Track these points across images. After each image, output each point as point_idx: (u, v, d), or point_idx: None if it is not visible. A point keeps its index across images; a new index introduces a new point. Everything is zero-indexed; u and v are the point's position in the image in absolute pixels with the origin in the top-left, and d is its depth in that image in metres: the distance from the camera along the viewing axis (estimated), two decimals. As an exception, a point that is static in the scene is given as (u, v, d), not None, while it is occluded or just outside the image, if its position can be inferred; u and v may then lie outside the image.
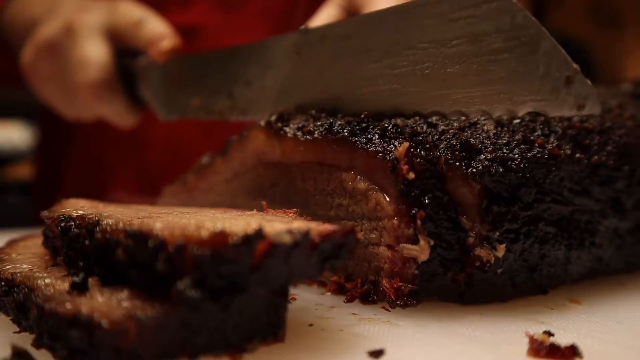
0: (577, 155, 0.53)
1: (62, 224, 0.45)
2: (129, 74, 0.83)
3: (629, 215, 0.56)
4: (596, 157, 0.54)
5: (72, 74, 0.81)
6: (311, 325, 0.45)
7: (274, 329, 0.40)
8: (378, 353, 0.39)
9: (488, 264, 0.48)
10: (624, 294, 0.54)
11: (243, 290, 0.36)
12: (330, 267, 0.39)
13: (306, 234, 0.37)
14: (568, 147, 0.53)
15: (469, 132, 0.51)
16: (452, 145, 0.49)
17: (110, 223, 0.41)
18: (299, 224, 0.39)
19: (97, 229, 0.41)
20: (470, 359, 0.39)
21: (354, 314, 0.47)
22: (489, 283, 0.49)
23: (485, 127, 0.52)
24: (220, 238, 0.35)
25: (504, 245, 0.48)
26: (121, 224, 0.40)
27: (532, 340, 0.40)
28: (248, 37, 1.08)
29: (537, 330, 0.43)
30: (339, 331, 0.44)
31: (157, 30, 0.81)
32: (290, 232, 0.36)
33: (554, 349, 0.39)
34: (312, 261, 0.38)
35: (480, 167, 0.48)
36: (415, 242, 0.47)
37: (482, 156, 0.49)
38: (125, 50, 0.83)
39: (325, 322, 0.45)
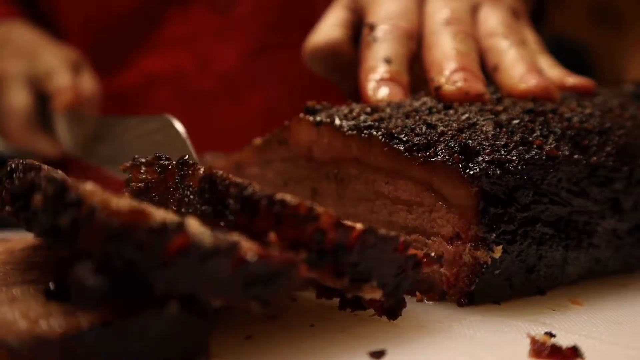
0: (576, 156, 0.53)
1: (12, 166, 0.43)
2: (48, 114, 0.96)
3: (627, 216, 0.56)
4: (595, 157, 0.54)
5: (2, 118, 0.98)
6: (312, 325, 0.45)
7: (191, 357, 0.34)
8: (379, 354, 0.39)
9: (485, 265, 0.48)
10: (625, 295, 0.54)
11: (147, 289, 0.32)
12: (258, 297, 0.34)
13: (232, 245, 0.32)
14: (567, 147, 0.53)
15: (467, 133, 0.51)
16: (450, 146, 0.49)
17: (44, 168, 0.39)
18: (235, 236, 0.35)
19: (32, 172, 0.39)
20: (471, 360, 0.39)
21: (355, 314, 0.47)
22: (487, 284, 0.49)
23: (484, 128, 0.52)
24: (137, 216, 0.32)
25: (500, 246, 0.47)
26: (52, 173, 0.37)
27: (534, 341, 0.40)
28: (239, 39, 1.12)
29: (538, 331, 0.43)
30: (340, 332, 0.43)
31: (61, 84, 0.94)
32: (212, 235, 0.32)
33: (555, 350, 0.39)
34: (235, 279, 0.33)
35: (478, 169, 0.48)
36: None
37: (480, 158, 0.49)
38: (44, 93, 0.96)
39: (326, 323, 0.45)
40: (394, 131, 0.52)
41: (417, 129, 0.51)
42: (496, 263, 0.48)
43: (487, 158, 0.48)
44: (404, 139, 0.51)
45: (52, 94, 0.94)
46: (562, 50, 1.39)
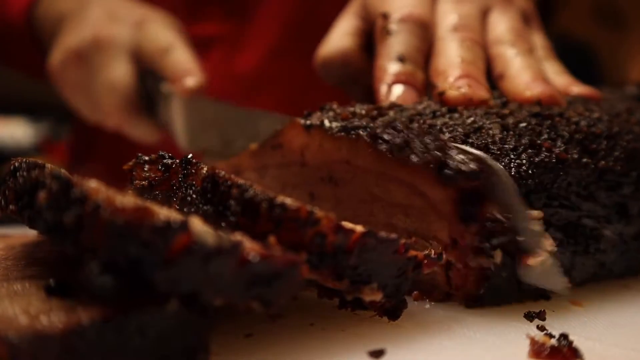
0: (584, 159, 0.52)
1: (15, 165, 0.43)
2: (153, 95, 0.83)
3: (634, 220, 0.56)
4: (603, 162, 0.53)
5: (98, 93, 0.83)
6: (312, 324, 0.45)
7: (191, 355, 0.34)
8: (379, 353, 0.39)
9: (490, 270, 0.47)
10: (625, 296, 0.54)
11: (150, 288, 0.32)
12: (260, 297, 0.34)
13: (235, 244, 0.33)
14: (575, 151, 0.52)
15: (474, 137, 0.50)
16: (425, 143, 0.48)
17: (48, 166, 0.39)
18: (238, 236, 0.35)
19: (37, 170, 0.39)
20: (471, 360, 0.39)
21: (355, 313, 0.47)
22: (496, 288, 0.48)
23: (490, 132, 0.51)
24: (141, 214, 0.32)
25: (498, 250, 0.47)
26: (55, 171, 0.37)
27: (534, 342, 0.40)
28: (258, 46, 1.12)
29: (538, 332, 0.43)
30: (340, 331, 0.44)
31: (183, 64, 0.81)
32: (215, 234, 0.32)
33: (555, 351, 0.39)
34: (238, 278, 0.33)
35: (452, 170, 0.46)
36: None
37: (455, 152, 0.47)
38: (150, 71, 0.84)
39: (326, 322, 0.45)
40: (377, 131, 0.50)
41: (399, 126, 0.50)
42: (501, 266, 0.47)
43: (462, 155, 0.47)
44: (387, 138, 0.49)
45: (170, 74, 0.82)
46: (568, 50, 1.39)
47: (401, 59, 0.63)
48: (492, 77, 0.64)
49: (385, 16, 0.66)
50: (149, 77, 0.83)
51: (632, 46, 1.43)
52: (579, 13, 1.48)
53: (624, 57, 1.44)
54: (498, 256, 0.47)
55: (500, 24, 0.67)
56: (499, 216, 0.46)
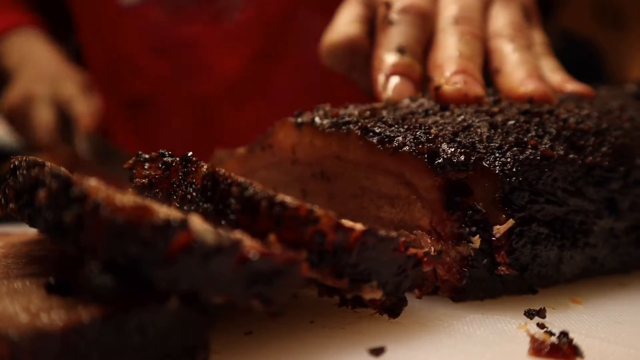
0: (571, 155, 0.52)
1: (15, 163, 0.43)
2: (70, 129, 1.24)
3: (624, 215, 0.56)
4: (590, 157, 0.54)
5: (31, 130, 1.24)
6: (312, 322, 0.45)
7: (191, 353, 0.35)
8: (379, 351, 0.39)
9: (470, 258, 0.48)
10: (625, 294, 0.54)
11: (150, 287, 0.32)
12: (260, 295, 0.34)
13: (235, 242, 0.33)
14: (561, 147, 0.52)
15: (462, 135, 0.51)
16: (416, 136, 0.50)
17: (48, 165, 0.39)
18: (238, 234, 0.35)
19: (36, 168, 0.39)
20: (471, 358, 0.39)
21: (355, 311, 0.47)
22: (478, 280, 0.49)
23: (479, 130, 0.51)
24: (141, 213, 0.32)
25: (477, 236, 0.47)
26: (55, 169, 0.38)
27: (534, 339, 0.40)
28: (241, 47, 1.18)
29: (538, 329, 0.43)
30: (340, 329, 0.44)
31: (82, 111, 1.21)
32: (215, 232, 0.33)
33: (555, 348, 0.39)
34: (237, 277, 0.33)
35: (443, 159, 0.48)
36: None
37: (446, 146, 0.49)
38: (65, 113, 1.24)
39: (326, 320, 0.45)
40: (368, 125, 0.52)
41: (390, 120, 0.52)
42: (480, 253, 0.48)
43: (453, 147, 0.49)
44: (377, 131, 0.51)
45: (75, 118, 1.21)
46: (570, 46, 1.39)
47: (400, 50, 0.63)
48: (489, 70, 0.64)
49: (388, 5, 0.66)
50: (66, 117, 1.24)
51: (633, 45, 1.43)
52: (580, 11, 1.48)
53: (624, 56, 1.44)
54: (477, 241, 0.47)
55: (501, 18, 0.67)
56: (480, 207, 0.48)
